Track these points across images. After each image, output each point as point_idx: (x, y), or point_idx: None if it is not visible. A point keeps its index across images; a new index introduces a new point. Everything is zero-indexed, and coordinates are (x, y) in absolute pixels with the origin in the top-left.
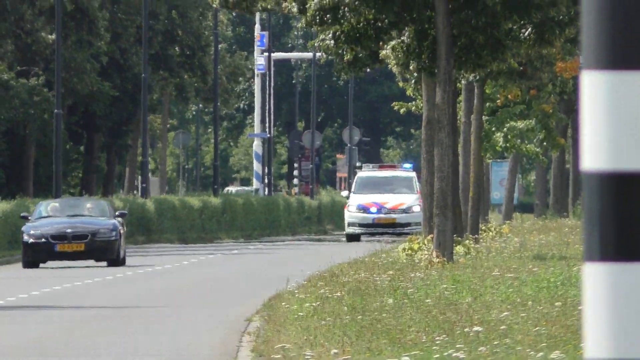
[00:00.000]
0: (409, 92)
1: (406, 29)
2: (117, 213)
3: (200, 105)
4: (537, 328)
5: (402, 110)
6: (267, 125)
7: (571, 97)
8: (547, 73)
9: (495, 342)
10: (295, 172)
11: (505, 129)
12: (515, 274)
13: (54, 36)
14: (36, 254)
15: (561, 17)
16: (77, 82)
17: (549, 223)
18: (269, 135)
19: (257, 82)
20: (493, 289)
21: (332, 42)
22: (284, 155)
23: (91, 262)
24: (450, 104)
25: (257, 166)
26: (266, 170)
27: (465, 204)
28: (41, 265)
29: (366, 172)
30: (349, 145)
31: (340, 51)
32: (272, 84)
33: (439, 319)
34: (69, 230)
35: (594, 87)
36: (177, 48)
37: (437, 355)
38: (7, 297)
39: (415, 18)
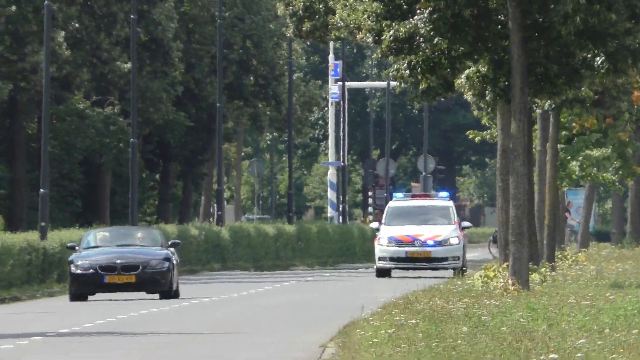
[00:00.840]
0: (484, 121)
1: (481, 59)
2: (170, 243)
3: (275, 134)
4: (613, 355)
5: (477, 139)
6: (341, 153)
7: None
8: (624, 102)
9: None
10: (370, 201)
11: (581, 157)
12: (591, 302)
13: (129, 65)
14: (84, 286)
15: (637, 45)
16: (153, 111)
17: (626, 251)
18: (343, 163)
19: (331, 110)
20: (569, 317)
21: (407, 71)
22: (358, 183)
23: (142, 295)
24: (525, 133)
25: (331, 194)
26: (341, 199)
27: (541, 232)
28: (90, 298)
29: (398, 202)
30: (423, 173)
31: (414, 80)
32: (346, 113)
33: (514, 346)
34: (118, 261)
35: None
36: (251, 77)
37: None
38: (84, 324)
39: (490, 47)
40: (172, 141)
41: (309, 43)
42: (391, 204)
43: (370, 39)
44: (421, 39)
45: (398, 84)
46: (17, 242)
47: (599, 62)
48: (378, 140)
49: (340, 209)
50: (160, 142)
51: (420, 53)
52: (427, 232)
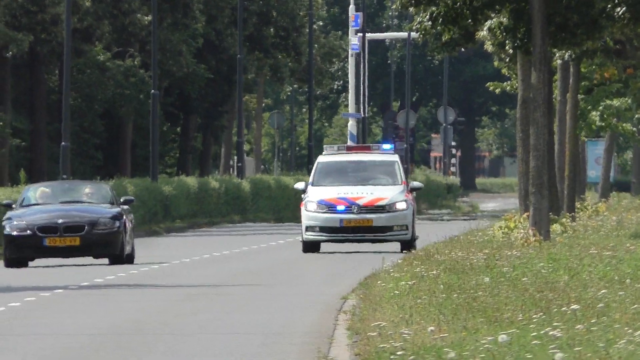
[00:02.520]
0: (504, 71)
1: (502, 9)
2: (122, 199)
3: (295, 86)
4: (635, 306)
5: (497, 90)
6: (361, 105)
7: None
8: None
9: (592, 321)
10: None
11: (601, 107)
12: (612, 252)
13: (150, 17)
14: (20, 250)
15: None
16: (173, 63)
17: None
18: (363, 115)
19: (351, 62)
20: (590, 267)
21: (430, 23)
22: (378, 135)
23: (89, 260)
24: (545, 83)
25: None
26: None
27: (561, 183)
28: (30, 264)
29: (329, 156)
30: (444, 124)
31: (436, 31)
32: (366, 64)
33: (535, 297)
34: (60, 221)
35: None
36: (271, 29)
37: (534, 334)
38: (106, 277)
39: None
40: (192, 93)
41: None
42: (321, 158)
43: None
44: None
45: (419, 35)
46: None
47: (620, 12)
48: (398, 91)
49: None
50: (181, 94)
51: (442, 4)
52: (367, 195)
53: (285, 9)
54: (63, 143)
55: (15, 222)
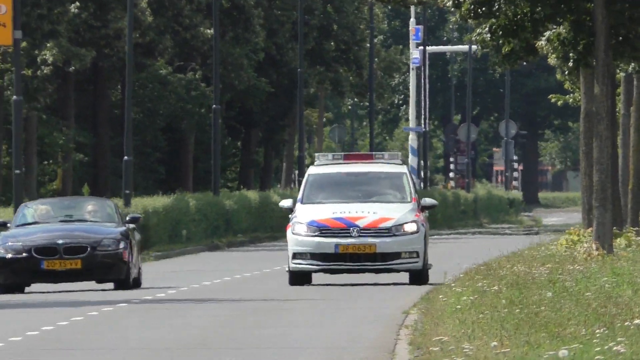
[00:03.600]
0: (567, 85)
1: (563, 21)
2: (128, 218)
3: (356, 100)
4: None
5: (559, 103)
6: (422, 119)
7: None
8: None
9: None
10: (452, 166)
11: None
12: None
13: (211, 31)
14: (15, 275)
15: None
16: (234, 77)
17: None
18: (424, 129)
19: (412, 75)
20: None
21: (489, 35)
22: (439, 149)
23: (92, 284)
24: (608, 96)
25: (412, 160)
26: (422, 164)
27: (625, 197)
28: (26, 289)
29: (322, 167)
30: (505, 138)
31: (496, 44)
32: (427, 78)
33: (598, 312)
34: (60, 242)
35: None
36: (332, 42)
37: (597, 349)
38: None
39: (573, 9)
40: (253, 107)
41: (390, 7)
42: (312, 169)
43: (450, 3)
44: (502, 1)
45: (479, 47)
46: None
47: None
48: (459, 105)
49: (422, 175)
50: (242, 108)
51: (502, 16)
52: (369, 214)
53: (346, 23)
54: (125, 157)
55: (9, 243)
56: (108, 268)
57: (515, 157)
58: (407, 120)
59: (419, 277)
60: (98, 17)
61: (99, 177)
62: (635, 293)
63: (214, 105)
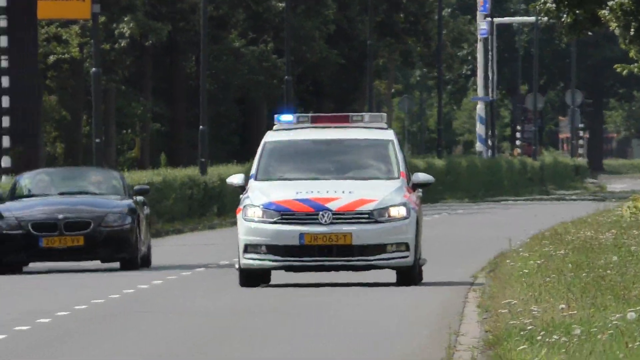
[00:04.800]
0: (632, 54)
1: None
2: (135, 189)
3: (425, 70)
4: None
5: (624, 73)
6: (489, 88)
7: None
8: None
9: None
10: (518, 135)
11: None
12: None
13: (283, 4)
14: (11, 253)
15: None
16: (306, 50)
17: None
18: (492, 98)
19: (479, 46)
20: None
21: (554, 5)
22: (506, 117)
23: (96, 264)
24: None
25: (480, 129)
26: (489, 133)
27: None
28: (24, 269)
29: (284, 132)
30: (571, 107)
31: (561, 14)
32: (494, 49)
33: None
34: (60, 216)
35: None
36: (401, 14)
37: None
38: None
39: None
40: (324, 79)
41: None
42: (270, 135)
43: None
44: None
45: (545, 18)
46: (179, 177)
47: None
48: (526, 75)
49: (489, 143)
50: (314, 80)
51: None
52: (344, 194)
53: None
54: (201, 127)
55: (4, 218)
56: (113, 246)
57: (581, 125)
58: (475, 90)
59: (408, 276)
60: None
61: (176, 146)
62: None
63: (286, 77)
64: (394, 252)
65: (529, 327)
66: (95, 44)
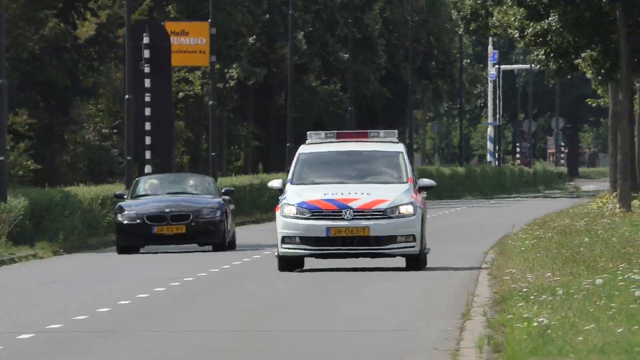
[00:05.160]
0: (599, 92)
1: (595, 47)
2: (223, 190)
3: (450, 103)
4: None
5: (594, 105)
6: (497, 116)
7: None
8: None
9: None
10: (517, 150)
11: None
12: None
13: (347, 55)
14: (131, 238)
15: None
16: (364, 88)
17: None
18: (498, 123)
19: (490, 86)
20: None
21: (544, 56)
22: (509, 137)
23: (194, 247)
24: (628, 101)
25: (490, 146)
26: (497, 148)
27: (639, 172)
28: (141, 250)
29: (315, 146)
30: (555, 129)
31: (549, 63)
32: (500, 88)
33: (621, 252)
34: (167, 210)
35: None
36: (433, 62)
37: (620, 277)
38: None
39: (603, 39)
40: (377, 109)
41: (474, 37)
42: (303, 148)
43: (517, 35)
44: (553, 33)
45: (538, 66)
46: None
47: None
48: (523, 107)
49: (497, 156)
50: (369, 110)
51: (553, 44)
52: (363, 196)
53: (443, 48)
54: (288, 144)
55: (126, 212)
56: (207, 233)
57: (562, 143)
58: (486, 117)
59: (415, 262)
60: (268, 46)
61: (269, 158)
62: None
63: (349, 108)
64: (403, 242)
65: (524, 290)
66: (212, 84)
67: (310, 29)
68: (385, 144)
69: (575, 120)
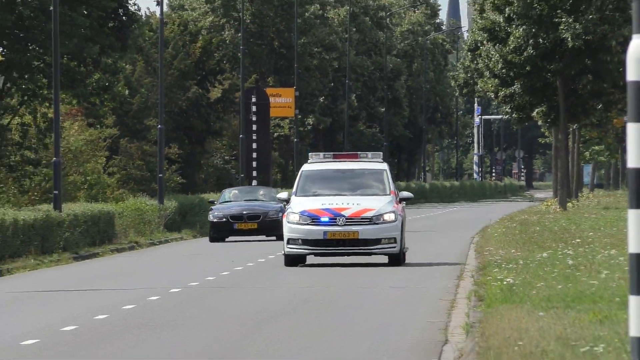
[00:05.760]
0: (547, 133)
1: (543, 104)
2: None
3: (449, 140)
4: (606, 239)
5: (543, 142)
6: (480, 149)
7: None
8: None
9: (586, 246)
10: (494, 171)
11: (590, 149)
12: (595, 215)
13: (383, 109)
14: (219, 231)
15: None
16: (394, 131)
17: (609, 192)
18: (481, 153)
19: (475, 129)
20: (587, 221)
21: (510, 110)
22: (488, 162)
23: (262, 237)
24: (565, 139)
25: (475, 168)
26: (480, 169)
27: (572, 184)
28: (226, 240)
29: (314, 164)
30: (518, 157)
31: (513, 115)
32: (482, 131)
33: (560, 236)
34: (244, 212)
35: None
36: (439, 114)
37: (559, 253)
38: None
39: (549, 100)
40: (402, 144)
41: (465, 98)
42: (306, 166)
43: (493, 96)
44: (517, 95)
45: (507, 116)
46: None
47: (599, 107)
48: (497, 142)
49: (480, 175)
50: (397, 145)
51: (516, 102)
52: (353, 205)
53: (445, 105)
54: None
55: (216, 213)
56: (272, 228)
57: (522, 166)
58: (473, 149)
59: (396, 259)
60: (332, 103)
61: None
62: (577, 226)
63: (384, 144)
64: (386, 243)
65: (498, 261)
66: (296, 128)
67: (359, 92)
68: (372, 163)
69: (530, 151)
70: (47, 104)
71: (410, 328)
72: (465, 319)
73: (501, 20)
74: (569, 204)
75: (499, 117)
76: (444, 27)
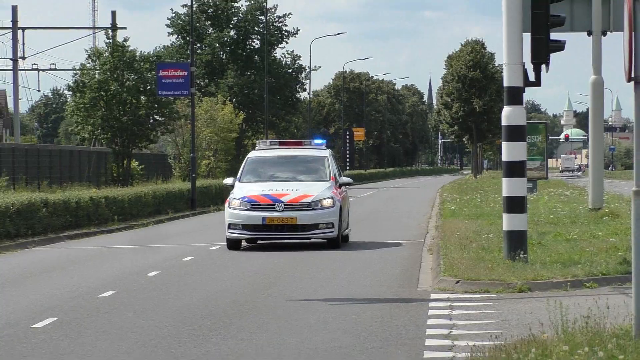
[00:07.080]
0: (468, 145)
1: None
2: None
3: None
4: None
5: (467, 150)
6: (439, 156)
7: None
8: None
9: (484, 193)
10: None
11: (486, 153)
12: (489, 181)
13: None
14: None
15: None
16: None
17: (495, 172)
18: (441, 155)
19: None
20: (486, 183)
21: (454, 137)
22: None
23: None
24: (476, 148)
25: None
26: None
27: (479, 168)
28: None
29: (261, 151)
30: (456, 157)
31: (454, 138)
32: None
33: (474, 188)
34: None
35: None
36: (410, 137)
37: (475, 195)
38: None
39: (469, 128)
40: (397, 152)
41: (434, 130)
42: (252, 153)
43: (447, 130)
44: (456, 131)
45: (454, 138)
46: None
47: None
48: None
49: (441, 163)
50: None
51: (456, 133)
52: (292, 192)
53: (421, 131)
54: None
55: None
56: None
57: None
58: (439, 152)
59: (334, 243)
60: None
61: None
62: (481, 185)
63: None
64: (324, 228)
65: (448, 198)
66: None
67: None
68: (315, 149)
69: (462, 153)
70: None
71: (414, 227)
72: (435, 223)
73: (449, 99)
74: (478, 176)
75: (450, 139)
76: (424, 100)
